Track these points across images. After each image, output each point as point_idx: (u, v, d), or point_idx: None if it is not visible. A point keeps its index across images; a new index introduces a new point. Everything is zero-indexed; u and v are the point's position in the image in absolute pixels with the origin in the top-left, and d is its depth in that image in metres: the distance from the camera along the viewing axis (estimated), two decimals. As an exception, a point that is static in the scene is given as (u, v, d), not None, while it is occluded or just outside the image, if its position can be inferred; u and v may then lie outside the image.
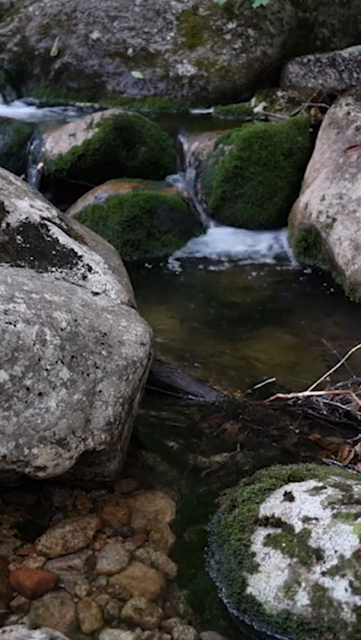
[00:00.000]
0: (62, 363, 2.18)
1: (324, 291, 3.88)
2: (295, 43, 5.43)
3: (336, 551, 1.96)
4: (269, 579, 1.99)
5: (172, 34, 5.29)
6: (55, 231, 2.64)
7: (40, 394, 2.14)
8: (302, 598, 1.93)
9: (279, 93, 5.01)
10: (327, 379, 2.91)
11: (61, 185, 4.45)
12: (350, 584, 1.91)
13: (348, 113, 4.35)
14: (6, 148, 4.49)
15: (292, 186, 4.43)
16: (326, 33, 5.66)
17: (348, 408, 2.78)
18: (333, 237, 3.89)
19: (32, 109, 5.18)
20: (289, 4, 5.46)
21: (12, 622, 1.97)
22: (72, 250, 2.62)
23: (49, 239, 2.61)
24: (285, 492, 2.16)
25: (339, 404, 2.79)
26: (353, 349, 2.99)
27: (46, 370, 2.15)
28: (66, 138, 4.47)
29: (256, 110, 4.96)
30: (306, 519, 2.06)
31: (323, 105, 4.80)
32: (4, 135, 4.52)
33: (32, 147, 4.52)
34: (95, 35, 5.33)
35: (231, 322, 3.63)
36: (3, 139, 4.51)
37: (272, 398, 2.87)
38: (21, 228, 2.59)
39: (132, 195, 4.22)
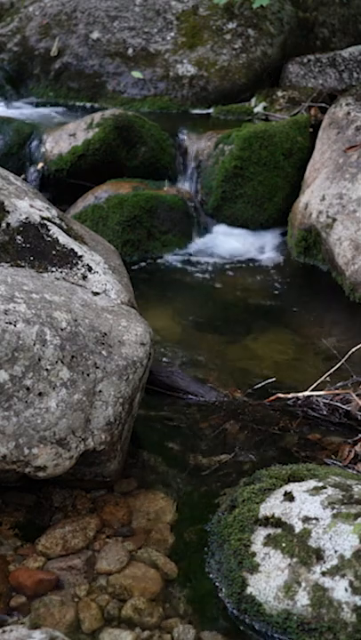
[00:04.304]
0: (62, 363, 2.18)
1: (324, 291, 3.88)
2: (295, 43, 5.42)
3: (336, 551, 1.96)
4: (269, 579, 1.99)
5: (172, 34, 5.29)
6: (55, 231, 2.64)
7: (40, 394, 2.14)
8: (302, 598, 1.93)
9: (279, 93, 5.01)
10: (327, 379, 2.91)
11: (61, 185, 4.45)
12: (350, 584, 1.91)
13: (349, 113, 4.35)
14: (6, 148, 4.49)
15: (292, 186, 4.43)
16: (326, 33, 5.66)
17: (349, 408, 2.78)
18: (333, 237, 3.89)
19: (32, 109, 5.18)
20: (289, 4, 5.46)
21: (12, 622, 1.97)
22: (72, 250, 2.62)
23: (49, 239, 2.61)
24: (285, 491, 2.16)
25: (339, 404, 2.79)
26: (353, 349, 2.99)
27: (46, 370, 2.15)
28: (66, 138, 4.47)
29: (256, 110, 4.95)
30: (306, 519, 2.06)
31: (323, 105, 4.80)
32: (4, 135, 4.52)
33: (32, 147, 4.52)
34: (95, 35, 5.33)
35: (231, 322, 3.63)
36: (3, 139, 4.51)
37: (272, 398, 2.87)
38: (21, 228, 2.59)
39: (132, 195, 4.22)
